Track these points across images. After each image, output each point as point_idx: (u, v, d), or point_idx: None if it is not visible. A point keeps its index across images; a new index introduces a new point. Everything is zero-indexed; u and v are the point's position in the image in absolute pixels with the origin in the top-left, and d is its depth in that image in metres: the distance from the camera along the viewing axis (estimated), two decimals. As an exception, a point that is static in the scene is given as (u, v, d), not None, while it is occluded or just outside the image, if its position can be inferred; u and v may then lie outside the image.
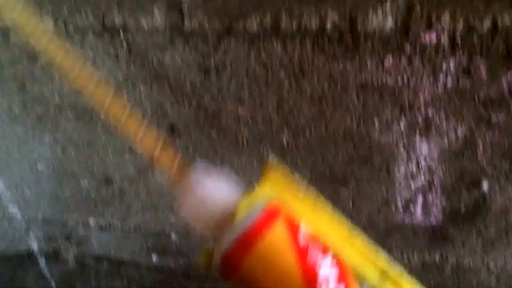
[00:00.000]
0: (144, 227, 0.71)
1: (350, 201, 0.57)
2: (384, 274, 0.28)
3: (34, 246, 0.79)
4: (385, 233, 0.58)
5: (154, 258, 0.74)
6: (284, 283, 0.28)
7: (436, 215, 0.55)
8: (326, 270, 0.28)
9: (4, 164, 0.70)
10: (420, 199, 0.54)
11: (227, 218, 0.31)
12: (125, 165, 0.64)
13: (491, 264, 0.56)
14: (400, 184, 0.54)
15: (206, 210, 0.32)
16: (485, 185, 0.51)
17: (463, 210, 0.53)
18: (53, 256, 0.80)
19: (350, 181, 0.55)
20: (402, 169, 0.53)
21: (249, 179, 0.59)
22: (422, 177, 0.53)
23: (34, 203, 0.73)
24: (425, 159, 0.51)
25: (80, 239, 0.76)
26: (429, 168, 0.52)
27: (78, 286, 0.82)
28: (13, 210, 0.76)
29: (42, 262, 0.81)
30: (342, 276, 0.28)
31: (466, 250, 0.56)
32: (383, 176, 0.54)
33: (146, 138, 0.34)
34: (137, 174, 0.64)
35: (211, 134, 0.57)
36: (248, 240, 0.29)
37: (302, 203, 0.31)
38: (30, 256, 0.81)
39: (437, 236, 0.56)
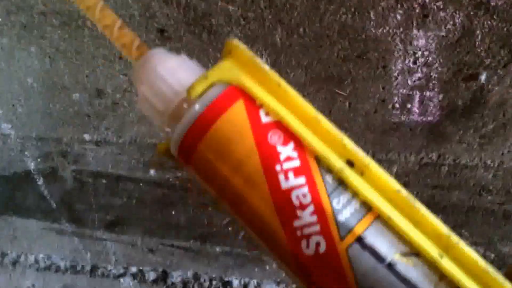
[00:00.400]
0: (140, 141, 0.71)
1: (347, 101, 0.57)
2: (349, 164, 0.26)
3: (31, 165, 0.80)
4: (382, 133, 0.58)
5: (152, 172, 0.75)
6: (242, 170, 0.27)
7: (433, 112, 0.54)
8: (286, 160, 0.26)
9: (-7, 80, 0.70)
10: (417, 96, 0.54)
11: (184, 102, 0.30)
12: (116, 75, 0.63)
13: (488, 161, 0.57)
14: (396, 81, 0.53)
15: (163, 92, 0.30)
16: (483, 77, 0.50)
17: (460, 105, 0.53)
18: (51, 175, 0.81)
19: (346, 80, 0.55)
20: (399, 64, 0.52)
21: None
22: (419, 72, 0.52)
23: (27, 120, 0.73)
24: (422, 53, 0.50)
25: (76, 155, 0.76)
26: (426, 62, 0.51)
27: (78, 204, 0.83)
28: (6, 129, 0.76)
29: (40, 181, 0.82)
30: (303, 168, 0.26)
31: (463, 147, 0.57)
32: (380, 74, 0.53)
33: (104, 17, 0.32)
34: (129, 84, 0.64)
35: (202, 35, 0.56)
36: (204, 123, 0.28)
37: (264, 84, 0.28)
38: (27, 176, 0.82)
39: (434, 134, 0.56)
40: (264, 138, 0.27)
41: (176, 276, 0.88)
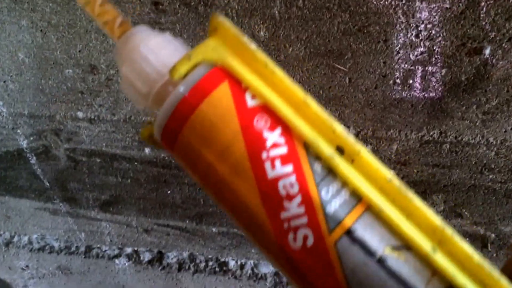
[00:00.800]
0: (135, 118, 0.70)
1: (347, 77, 0.56)
2: (339, 150, 0.25)
3: (23, 143, 0.79)
4: (382, 110, 0.57)
5: (147, 151, 0.74)
6: (226, 156, 0.26)
7: (436, 88, 0.54)
8: (273, 147, 0.25)
9: (-17, 56, 0.69)
10: (419, 71, 0.53)
11: (168, 83, 0.29)
12: (109, 50, 0.62)
13: (491, 138, 0.56)
14: (398, 55, 0.53)
15: (146, 73, 0.29)
16: (487, 51, 0.50)
17: (463, 80, 0.53)
18: (44, 154, 0.80)
19: (346, 54, 0.54)
20: (401, 38, 0.51)
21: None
22: (422, 46, 0.51)
23: (19, 97, 0.72)
24: (425, 26, 0.50)
25: (70, 133, 0.75)
26: (429, 35, 0.50)
27: (72, 183, 0.83)
28: (-2, 106, 0.75)
29: (32, 160, 0.82)
30: (291, 155, 0.25)
31: (466, 124, 0.56)
32: (381, 48, 0.53)
33: None
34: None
35: (198, 8, 0.55)
36: (187, 106, 0.27)
37: (250, 64, 0.27)
38: (20, 154, 0.81)
39: (436, 110, 0.56)
40: (250, 123, 0.26)
41: (171, 257, 0.88)
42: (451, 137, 0.57)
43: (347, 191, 0.25)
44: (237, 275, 0.86)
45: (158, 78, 0.28)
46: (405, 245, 0.24)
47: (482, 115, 0.55)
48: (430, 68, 0.53)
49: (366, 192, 0.24)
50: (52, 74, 0.68)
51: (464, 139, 0.57)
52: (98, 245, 0.92)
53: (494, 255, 0.66)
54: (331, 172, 0.25)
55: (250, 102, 0.26)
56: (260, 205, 0.25)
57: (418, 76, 0.53)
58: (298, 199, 0.25)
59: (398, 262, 0.24)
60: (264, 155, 0.25)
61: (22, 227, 0.94)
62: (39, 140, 0.78)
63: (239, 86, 0.26)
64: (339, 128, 0.25)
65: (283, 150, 0.25)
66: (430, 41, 0.51)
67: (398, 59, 0.53)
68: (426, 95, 0.54)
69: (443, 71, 0.52)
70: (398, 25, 0.50)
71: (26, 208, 0.89)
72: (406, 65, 0.53)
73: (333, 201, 0.25)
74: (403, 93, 0.55)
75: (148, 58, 0.29)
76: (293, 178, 0.25)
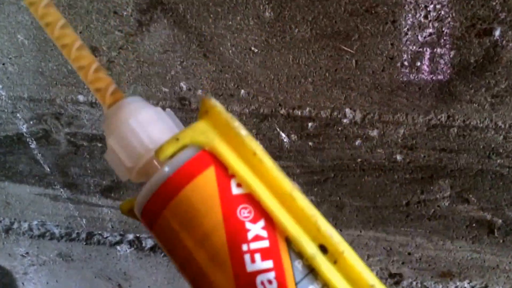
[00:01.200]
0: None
1: (353, 59, 0.56)
2: (322, 249, 0.25)
3: (23, 128, 0.79)
4: (389, 93, 0.57)
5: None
6: (206, 245, 0.25)
7: (444, 70, 0.53)
8: (254, 237, 0.25)
9: (-18, 38, 0.68)
10: (427, 53, 0.53)
11: (154, 160, 0.29)
12: (111, 31, 0.62)
13: (499, 122, 0.56)
14: (406, 37, 0.52)
15: (133, 147, 0.29)
16: (497, 32, 0.49)
17: (472, 62, 0.52)
18: (44, 138, 0.80)
19: (353, 36, 0.54)
20: (409, 19, 0.51)
21: (245, 40, 0.57)
22: (431, 27, 0.51)
23: (18, 80, 0.72)
24: (434, 6, 0.49)
25: (70, 118, 0.75)
26: (438, 16, 0.50)
27: (73, 168, 0.83)
28: (-3, 89, 0.75)
29: (32, 144, 0.81)
30: (272, 250, 0.25)
31: (474, 108, 0.56)
32: (389, 29, 0.52)
33: (81, 58, 0.31)
34: (125, 41, 0.63)
35: None
36: (170, 189, 0.26)
37: (239, 150, 0.26)
38: (19, 139, 0.81)
39: (444, 94, 0.55)
40: (233, 212, 0.25)
41: (173, 244, 0.88)
42: (459, 121, 0.57)
43: None
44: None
45: (144, 154, 0.29)
46: None
47: (491, 98, 0.54)
48: (438, 50, 0.52)
49: None
50: (52, 56, 0.68)
51: (472, 123, 0.57)
52: (99, 232, 0.92)
53: (501, 241, 0.67)
54: (312, 271, 0.25)
55: (235, 190, 0.26)
56: None
57: (426, 58, 0.53)
58: None
59: None
60: (244, 247, 0.25)
61: (22, 213, 0.94)
62: (39, 124, 0.78)
63: (225, 173, 0.26)
64: (324, 225, 0.25)
65: (264, 243, 0.25)
66: (439, 22, 0.50)
67: (406, 41, 0.53)
68: (434, 77, 0.54)
69: (452, 53, 0.52)
70: (406, 6, 0.50)
71: (26, 194, 0.89)
72: (414, 47, 0.53)
73: None
74: (411, 75, 0.55)
75: (136, 132, 0.29)
76: (272, 275, 0.24)
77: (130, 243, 0.91)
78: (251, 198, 0.26)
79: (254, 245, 0.25)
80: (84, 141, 0.78)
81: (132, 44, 0.63)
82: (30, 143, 0.81)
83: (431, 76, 0.54)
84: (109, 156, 0.30)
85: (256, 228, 0.25)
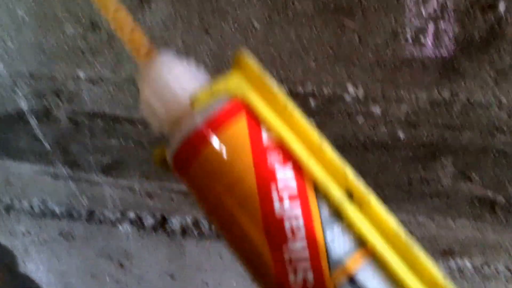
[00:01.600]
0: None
1: (356, 35, 0.56)
2: (349, 195, 0.26)
3: (23, 105, 0.79)
4: (392, 69, 0.57)
5: (150, 112, 0.74)
6: (236, 189, 0.27)
7: (448, 46, 0.53)
8: (283, 182, 0.26)
9: (-19, 13, 0.68)
10: (431, 28, 0.53)
11: (187, 111, 0.30)
12: (112, 6, 0.62)
13: (503, 98, 0.56)
14: (410, 11, 0.52)
15: (167, 99, 0.30)
16: (501, 6, 0.49)
17: (476, 38, 0.52)
18: (44, 115, 0.80)
19: (356, 11, 0.54)
20: (413, -7, 0.51)
21: (247, 16, 0.57)
22: (435, 2, 0.51)
23: (18, 56, 0.72)
24: (438, -20, 0.49)
25: (71, 94, 0.75)
26: (442, -10, 0.50)
27: (73, 146, 0.83)
28: (-3, 65, 0.75)
29: (33, 122, 0.82)
30: (300, 193, 0.26)
31: (478, 84, 0.56)
32: (392, 4, 0.52)
33: (119, 18, 0.33)
34: (126, 17, 0.62)
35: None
36: (202, 135, 0.27)
37: (271, 103, 0.27)
38: (20, 116, 0.81)
39: (447, 69, 0.55)
40: (263, 159, 0.26)
41: (175, 222, 0.89)
42: (462, 97, 0.57)
43: (353, 237, 0.25)
44: (241, 241, 0.87)
45: (178, 105, 0.29)
46: None
47: (495, 74, 0.54)
48: (442, 26, 0.52)
49: (371, 241, 0.25)
50: (53, 33, 0.68)
51: (475, 100, 0.57)
52: (100, 210, 0.92)
53: (503, 219, 0.67)
54: (338, 216, 0.26)
55: (266, 138, 0.27)
56: (264, 241, 0.26)
57: (430, 33, 0.53)
58: (302, 239, 0.25)
59: None
60: (274, 192, 0.26)
61: (22, 191, 0.94)
62: (40, 101, 0.78)
63: (256, 122, 0.27)
64: (351, 173, 0.26)
65: (293, 189, 0.26)
66: (443, -4, 0.50)
67: (410, 16, 0.53)
68: (438, 53, 0.54)
69: (456, 28, 0.52)
70: (410, -20, 0.50)
71: (27, 172, 0.90)
72: (418, 22, 0.53)
73: (338, 245, 0.25)
74: (415, 51, 0.55)
75: (171, 85, 0.30)
76: (300, 218, 0.25)
77: (131, 222, 0.91)
78: (281, 146, 0.27)
79: (282, 190, 0.26)
80: (85, 118, 0.78)
81: (134, 19, 0.63)
82: (30, 120, 0.81)
83: (435, 52, 0.54)
84: (144, 109, 0.31)
85: (285, 175, 0.26)
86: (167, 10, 0.60)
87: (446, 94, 0.57)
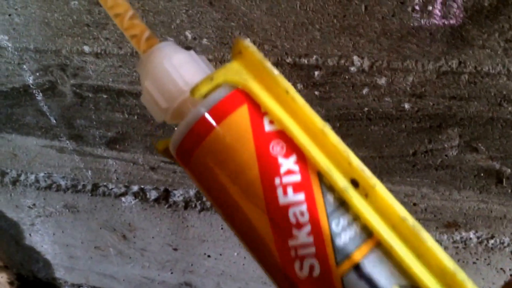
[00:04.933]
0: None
1: (362, 4, 0.53)
2: (354, 183, 0.25)
3: (29, 79, 0.77)
4: (399, 39, 0.55)
5: (154, 86, 0.72)
6: (240, 179, 0.26)
7: (457, 14, 0.51)
8: (287, 174, 0.25)
9: (-14, -13, 0.66)
10: (440, -5, 0.50)
11: (188, 101, 0.29)
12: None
13: (512, 68, 0.54)
14: (419, -22, 0.50)
15: (168, 88, 0.29)
16: (514, -28, 0.47)
17: (486, 6, 0.50)
18: (50, 90, 0.78)
19: (363, -21, 0.51)
20: (423, -41, 0.48)
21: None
22: (444, -32, 0.48)
23: (24, 31, 0.70)
24: None
25: (76, 69, 0.73)
26: (453, -45, 0.47)
27: (78, 120, 0.81)
28: (3, 40, 0.73)
29: (39, 96, 0.80)
30: (304, 184, 0.25)
31: (486, 53, 0.53)
32: (401, -30, 0.50)
33: (116, 5, 0.32)
34: (130, -13, 0.60)
35: None
36: (204, 126, 0.27)
37: (272, 91, 0.26)
38: (26, 91, 0.79)
39: (455, 39, 0.53)
40: (266, 148, 0.26)
41: (178, 195, 0.88)
42: (470, 67, 0.55)
43: (359, 225, 0.25)
44: (244, 214, 0.85)
45: (179, 95, 0.29)
46: (414, 286, 0.24)
47: (504, 43, 0.52)
48: (451, -7, 0.50)
49: (377, 228, 0.24)
50: (58, 7, 0.65)
51: (483, 69, 0.55)
52: (104, 183, 0.91)
53: (509, 191, 0.65)
54: (343, 204, 0.25)
55: (268, 127, 0.26)
56: (269, 231, 0.25)
57: (438, 2, 0.51)
58: (307, 228, 0.25)
59: None
60: (277, 181, 0.25)
61: (28, 165, 0.93)
62: (45, 75, 0.76)
63: (258, 110, 0.26)
64: (356, 160, 0.25)
65: (296, 177, 0.25)
66: (454, -39, 0.48)
67: (418, -17, 0.50)
68: (446, 22, 0.52)
69: (465, -5, 0.50)
70: None
71: (33, 146, 0.88)
72: (427, -11, 0.50)
73: (343, 234, 0.24)
74: (422, 20, 0.53)
75: (171, 74, 0.29)
76: (304, 207, 0.25)
77: (135, 195, 0.90)
78: (283, 134, 0.26)
79: (286, 179, 0.25)
80: (90, 93, 0.76)
81: (138, -8, 0.60)
82: (36, 95, 0.79)
83: (443, 20, 0.52)
84: (145, 99, 0.31)
85: (288, 163, 0.25)
86: (171, -20, 0.57)
87: (453, 63, 0.55)
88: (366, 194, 0.25)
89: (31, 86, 0.78)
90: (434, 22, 0.52)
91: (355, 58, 0.58)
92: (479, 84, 0.56)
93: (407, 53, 0.56)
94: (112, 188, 0.91)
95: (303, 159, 0.25)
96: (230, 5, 0.58)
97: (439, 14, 0.51)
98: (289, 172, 0.25)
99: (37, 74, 0.76)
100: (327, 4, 0.54)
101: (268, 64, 0.26)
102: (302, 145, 0.25)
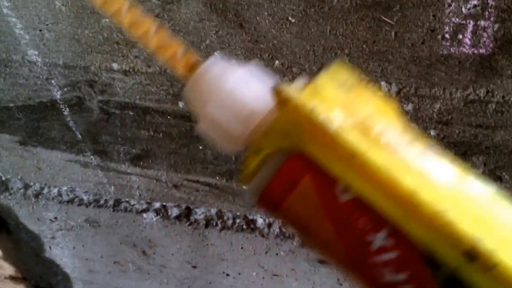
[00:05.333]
0: (169, 71, 0.69)
1: (393, 31, 0.54)
2: (469, 257, 0.19)
3: (57, 94, 0.78)
4: (428, 66, 0.55)
5: (181, 105, 0.73)
6: (329, 255, 0.22)
7: (487, 44, 0.51)
8: (380, 252, 0.20)
9: (20, 3, 0.67)
10: (470, 26, 0.51)
11: (264, 120, 0.23)
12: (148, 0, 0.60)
13: (540, 98, 0.54)
14: (449, 8, 0.50)
15: (238, 110, 0.24)
16: (546, 4, 0.47)
17: (517, 36, 0.50)
18: (77, 105, 0.79)
19: (394, 6, 0.52)
20: (454, -11, 0.49)
21: (282, 9, 0.56)
22: (476, -2, 0.49)
23: (54, 47, 0.71)
24: (481, -24, 0.47)
25: (104, 85, 0.74)
26: (485, -13, 0.48)
27: (104, 136, 0.82)
28: (33, 55, 0.74)
29: (65, 111, 0.81)
30: (406, 261, 0.20)
31: (515, 83, 0.54)
32: (432, 0, 0.50)
33: (138, 25, 0.27)
34: (161, 9, 0.61)
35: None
36: (265, 208, 0.23)
37: (334, 152, 0.21)
38: (53, 105, 0.81)
39: (484, 68, 0.53)
40: (346, 223, 0.21)
41: (199, 213, 0.88)
42: (498, 96, 0.55)
43: None
44: (264, 233, 0.85)
45: (251, 116, 0.24)
46: None
47: (533, 74, 0.52)
48: (482, 23, 0.50)
49: None
50: (89, 24, 0.67)
51: (511, 99, 0.55)
52: (126, 199, 0.91)
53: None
54: (457, 284, 0.20)
55: (343, 196, 0.21)
56: None
57: (468, 31, 0.51)
58: None
59: None
60: (368, 264, 0.21)
61: (52, 178, 0.93)
62: (73, 91, 0.77)
63: (325, 178, 0.21)
64: (467, 228, 0.19)
65: (393, 256, 0.20)
66: (485, -7, 0.48)
67: (449, 13, 0.50)
68: (475, 51, 0.52)
69: (496, 26, 0.50)
70: (452, -24, 0.48)
71: (57, 160, 0.89)
72: (457, 19, 0.51)
73: None
74: (451, 49, 0.53)
75: (236, 94, 0.24)
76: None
77: (156, 211, 0.90)
78: (363, 204, 0.20)
79: (380, 258, 0.21)
80: (116, 109, 0.77)
81: (169, 12, 0.61)
82: (63, 110, 0.80)
83: (473, 49, 0.52)
84: (208, 127, 0.25)
85: (379, 238, 0.21)
86: (202, 2, 0.58)
87: (481, 92, 0.55)
88: (488, 269, 0.19)
89: (58, 101, 0.79)
90: (464, 51, 0.52)
91: (382, 83, 0.58)
92: (506, 113, 0.56)
93: (435, 80, 0.56)
94: (134, 204, 0.91)
95: (395, 230, 0.20)
96: (260, 28, 0.59)
97: (469, 43, 0.52)
98: (383, 249, 0.20)
99: (65, 89, 0.77)
100: (357, 29, 0.55)
101: (322, 118, 0.21)
102: (391, 217, 0.20)
